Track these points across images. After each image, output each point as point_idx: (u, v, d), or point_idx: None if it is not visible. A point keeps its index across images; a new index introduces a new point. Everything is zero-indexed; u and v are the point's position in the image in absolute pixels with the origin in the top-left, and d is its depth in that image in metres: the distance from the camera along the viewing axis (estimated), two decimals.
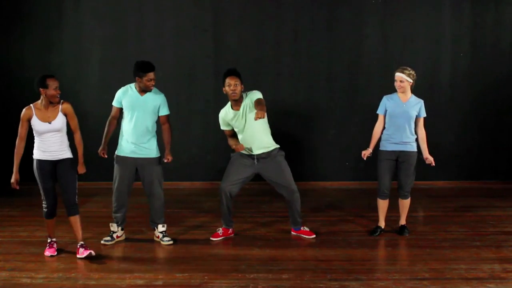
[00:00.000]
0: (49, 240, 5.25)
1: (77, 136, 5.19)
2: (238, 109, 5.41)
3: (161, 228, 5.55)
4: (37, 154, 5.05)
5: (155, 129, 5.51)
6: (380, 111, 5.74)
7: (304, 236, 5.68)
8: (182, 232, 5.88)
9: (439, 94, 8.25)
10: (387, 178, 5.69)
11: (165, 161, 5.52)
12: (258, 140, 5.45)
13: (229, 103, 5.50)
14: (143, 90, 5.41)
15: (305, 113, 8.21)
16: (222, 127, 5.61)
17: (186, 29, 8.20)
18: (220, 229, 5.69)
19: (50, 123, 4.97)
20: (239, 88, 5.33)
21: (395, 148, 5.63)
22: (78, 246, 5.09)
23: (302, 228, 5.73)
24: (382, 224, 5.84)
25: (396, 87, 5.62)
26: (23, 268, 4.78)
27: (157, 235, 5.57)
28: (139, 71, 5.33)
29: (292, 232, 5.78)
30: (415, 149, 5.66)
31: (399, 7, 8.18)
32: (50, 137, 4.99)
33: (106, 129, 5.54)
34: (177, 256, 5.13)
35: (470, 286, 4.40)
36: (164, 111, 5.52)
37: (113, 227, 5.54)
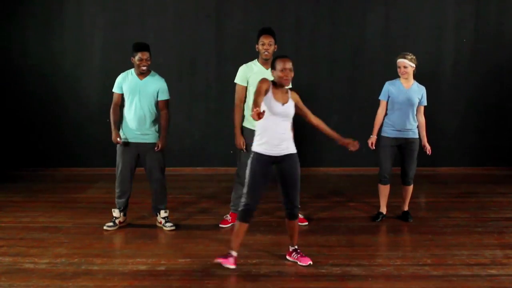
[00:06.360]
0: (232, 253, 4.47)
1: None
2: (266, 68, 5.33)
3: (163, 213, 5.55)
4: (257, 147, 4.43)
5: (156, 114, 5.48)
6: (382, 97, 5.72)
7: (298, 222, 5.64)
8: (184, 218, 5.89)
9: (442, 80, 8.20)
10: (388, 163, 5.69)
11: (156, 149, 5.40)
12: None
13: (255, 60, 5.46)
14: (140, 73, 5.39)
15: (307, 99, 8.05)
16: (238, 81, 5.42)
17: (189, 14, 8.15)
18: (228, 215, 5.67)
19: (283, 105, 4.40)
20: (272, 47, 5.36)
21: (398, 135, 5.62)
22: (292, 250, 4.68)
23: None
24: (384, 210, 5.84)
25: (400, 74, 5.59)
26: (26, 253, 4.79)
27: (159, 221, 5.58)
28: (132, 51, 5.35)
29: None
30: (418, 136, 5.66)
31: None
32: (276, 125, 4.37)
33: (111, 117, 5.45)
34: (180, 242, 5.13)
35: (471, 271, 4.40)
36: (163, 96, 5.47)
37: (116, 212, 5.54)
